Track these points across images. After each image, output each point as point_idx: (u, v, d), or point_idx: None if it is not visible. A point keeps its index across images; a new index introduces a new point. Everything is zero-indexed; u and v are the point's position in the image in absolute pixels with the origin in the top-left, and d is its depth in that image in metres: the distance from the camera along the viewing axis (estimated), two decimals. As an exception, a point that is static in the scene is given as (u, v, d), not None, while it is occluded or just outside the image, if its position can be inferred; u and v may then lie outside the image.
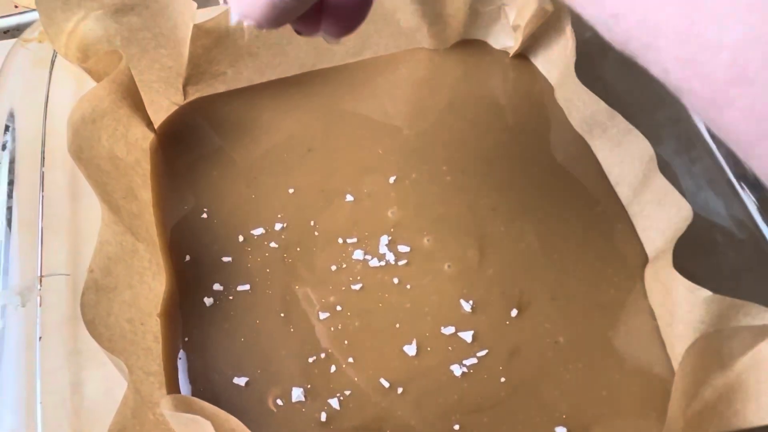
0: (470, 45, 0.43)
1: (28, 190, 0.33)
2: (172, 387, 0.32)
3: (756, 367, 0.27)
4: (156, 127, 0.40)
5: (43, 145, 0.34)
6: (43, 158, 0.34)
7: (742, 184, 0.32)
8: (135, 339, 0.31)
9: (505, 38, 0.42)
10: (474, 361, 0.32)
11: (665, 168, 0.34)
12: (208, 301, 0.34)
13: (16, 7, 0.46)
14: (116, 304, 0.31)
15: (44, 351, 0.30)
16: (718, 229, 0.33)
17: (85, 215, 0.34)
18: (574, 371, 0.32)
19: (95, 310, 0.29)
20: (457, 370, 0.32)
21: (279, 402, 0.31)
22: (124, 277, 0.32)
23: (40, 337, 0.29)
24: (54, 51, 0.37)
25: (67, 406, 0.30)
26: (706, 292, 0.29)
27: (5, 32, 0.41)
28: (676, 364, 0.31)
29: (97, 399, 0.30)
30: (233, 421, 0.24)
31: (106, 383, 0.30)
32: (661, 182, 0.33)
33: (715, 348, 0.26)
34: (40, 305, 0.30)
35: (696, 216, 0.31)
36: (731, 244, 0.32)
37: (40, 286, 0.30)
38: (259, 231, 0.36)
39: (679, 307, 0.30)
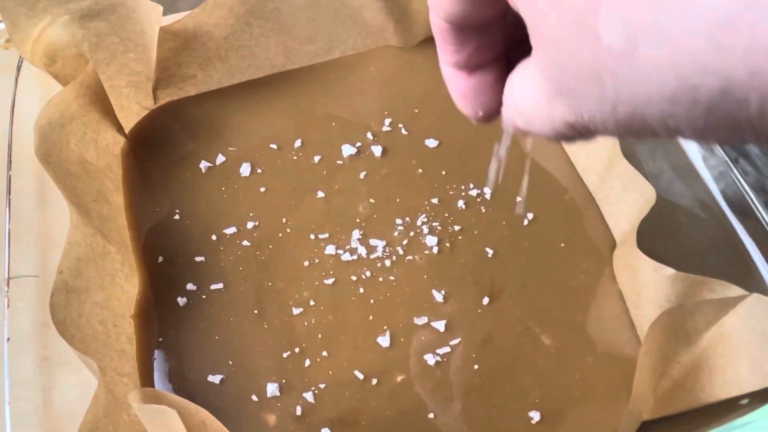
0: (437, 42, 0.44)
1: (-6, 194, 0.33)
2: (147, 387, 0.32)
3: (721, 341, 0.27)
4: (127, 131, 0.40)
5: (10, 149, 0.34)
6: (9, 162, 0.34)
7: (704, 166, 0.33)
8: (108, 341, 0.31)
9: (472, 34, 0.43)
10: (447, 350, 0.32)
11: (629, 154, 0.34)
12: (182, 301, 0.34)
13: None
14: (87, 306, 0.31)
15: (15, 359, 0.30)
16: (682, 210, 0.33)
17: (54, 223, 0.34)
18: (546, 356, 0.32)
19: (65, 311, 0.29)
20: (430, 359, 0.32)
21: (254, 398, 0.31)
22: (95, 279, 0.31)
23: (8, 339, 0.29)
24: (20, 57, 0.37)
25: (39, 413, 0.30)
26: (670, 271, 0.29)
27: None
28: (645, 345, 0.31)
29: (70, 406, 0.30)
30: (203, 413, 0.24)
31: (80, 389, 0.30)
32: (626, 167, 0.33)
33: (680, 323, 0.27)
34: (8, 307, 0.30)
35: (660, 198, 0.31)
36: (694, 225, 0.33)
37: (8, 287, 0.30)
38: (231, 230, 0.36)
39: (646, 287, 0.31)
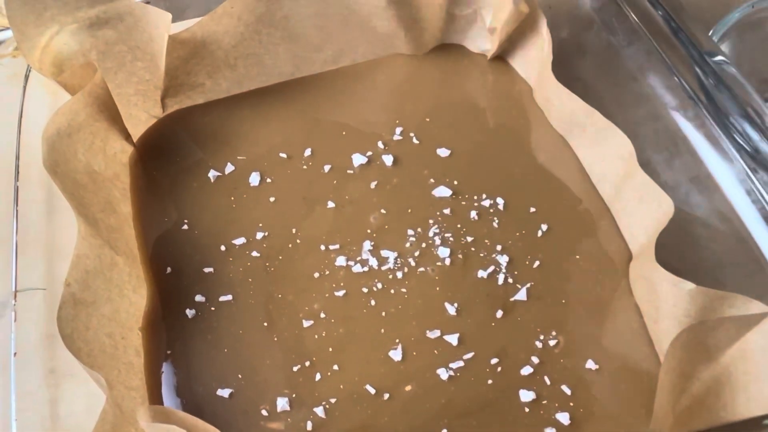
0: (448, 49, 0.43)
1: (2, 204, 0.33)
2: (155, 401, 0.31)
3: (743, 359, 0.26)
4: (135, 140, 0.39)
5: (18, 159, 0.33)
6: (17, 172, 0.33)
7: (722, 176, 0.32)
8: (116, 353, 0.31)
9: (483, 41, 0.42)
10: (460, 364, 0.32)
11: (646, 164, 0.33)
12: (191, 312, 0.34)
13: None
14: (95, 319, 0.30)
15: (22, 371, 0.30)
16: (700, 222, 0.32)
17: (62, 232, 0.33)
18: (561, 371, 0.32)
19: (73, 324, 0.29)
20: (443, 373, 0.32)
21: (264, 412, 0.31)
22: (102, 291, 0.31)
23: (15, 353, 0.28)
24: (28, 66, 0.37)
25: (46, 425, 0.29)
26: (689, 285, 0.28)
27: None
28: (663, 360, 0.31)
29: (77, 418, 0.29)
30: (212, 431, 0.24)
31: (87, 401, 0.29)
32: (642, 178, 0.33)
33: (701, 340, 0.26)
34: (15, 320, 0.29)
35: (678, 210, 0.30)
36: (713, 237, 0.32)
37: (15, 301, 0.30)
38: (240, 241, 0.36)
39: (664, 302, 0.30)
